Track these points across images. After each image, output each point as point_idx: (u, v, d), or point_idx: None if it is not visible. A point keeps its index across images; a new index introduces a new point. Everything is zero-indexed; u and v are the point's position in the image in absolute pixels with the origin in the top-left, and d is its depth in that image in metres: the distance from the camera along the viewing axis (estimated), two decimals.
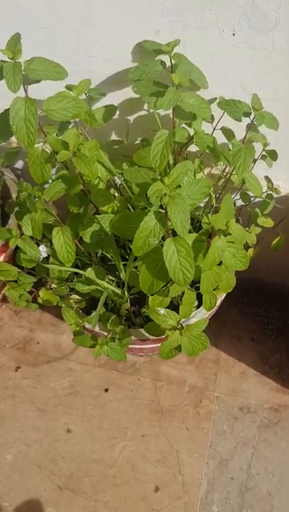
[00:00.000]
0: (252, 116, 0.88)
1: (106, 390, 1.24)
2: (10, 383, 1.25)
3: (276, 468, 1.13)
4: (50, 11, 0.92)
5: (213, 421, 1.20)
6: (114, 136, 1.13)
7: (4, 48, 0.70)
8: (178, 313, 0.89)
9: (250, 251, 1.04)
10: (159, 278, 0.81)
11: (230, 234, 0.80)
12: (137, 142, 1.13)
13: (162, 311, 0.82)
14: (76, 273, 0.99)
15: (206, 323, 0.85)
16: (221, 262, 0.83)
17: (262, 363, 1.29)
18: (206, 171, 1.15)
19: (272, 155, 1.01)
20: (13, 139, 1.20)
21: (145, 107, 1.05)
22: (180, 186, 0.78)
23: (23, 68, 0.70)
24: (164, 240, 0.75)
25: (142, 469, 1.13)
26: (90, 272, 0.92)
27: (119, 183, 1.03)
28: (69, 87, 0.89)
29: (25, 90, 0.74)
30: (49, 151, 0.84)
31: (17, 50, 0.69)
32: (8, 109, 0.75)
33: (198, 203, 0.79)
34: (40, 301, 0.98)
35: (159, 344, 0.98)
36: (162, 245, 0.75)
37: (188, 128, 0.94)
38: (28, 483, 1.11)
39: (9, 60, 0.70)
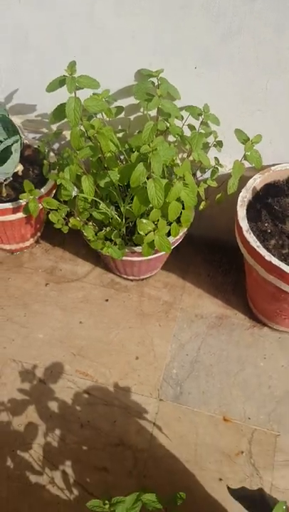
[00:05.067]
0: (203, 116, 1.48)
1: (106, 300, 1.82)
2: (41, 293, 1.83)
3: (216, 350, 1.70)
4: (83, 49, 1.53)
5: (177, 321, 1.78)
6: (120, 128, 1.73)
7: (66, 68, 1.30)
8: None
9: (203, 203, 1.63)
10: (144, 204, 1.40)
11: (185, 181, 1.40)
12: (135, 133, 1.73)
13: (145, 221, 1.41)
14: (93, 207, 1.58)
15: (166, 228, 1.44)
16: (180, 199, 1.43)
17: (214, 289, 1.88)
18: (180, 156, 1.76)
19: (220, 143, 1.61)
20: (53, 127, 1.80)
21: (141, 109, 1.66)
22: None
23: (76, 80, 1.31)
24: (148, 180, 1.35)
25: (128, 346, 1.70)
26: (102, 205, 1.52)
27: (122, 157, 1.63)
28: (96, 94, 1.50)
29: (75, 93, 1.34)
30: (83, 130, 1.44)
31: (73, 69, 1.30)
32: (64, 103, 1.35)
33: (168, 160, 1.39)
34: (70, 225, 1.57)
35: (143, 258, 1.58)
36: (146, 184, 1.35)
37: (166, 122, 1.54)
38: (53, 351, 1.68)
39: (68, 75, 1.31)
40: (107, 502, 1.01)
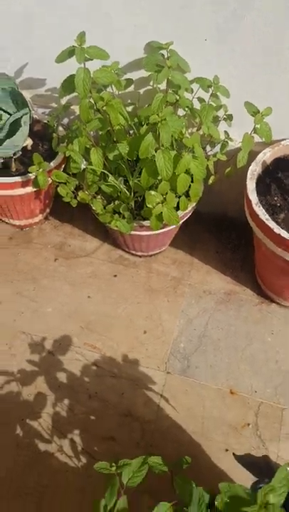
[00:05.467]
0: (213, 88, 1.47)
1: (115, 275, 1.83)
2: (50, 268, 1.84)
3: (224, 325, 1.71)
4: (97, 27, 1.52)
5: (185, 297, 1.78)
6: (129, 101, 1.72)
7: (75, 38, 1.29)
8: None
9: (212, 178, 1.62)
10: (153, 176, 1.40)
11: (194, 153, 1.40)
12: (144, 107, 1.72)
13: (153, 193, 1.40)
14: (102, 180, 1.58)
15: (174, 201, 1.43)
16: (189, 171, 1.42)
17: (222, 266, 1.88)
18: (189, 131, 1.75)
19: (230, 117, 1.59)
20: (62, 101, 1.80)
21: (150, 83, 1.65)
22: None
23: (85, 51, 1.30)
24: (156, 152, 1.35)
25: (136, 321, 1.71)
26: (111, 178, 1.51)
27: (132, 131, 1.62)
28: (105, 66, 1.49)
29: (84, 64, 1.33)
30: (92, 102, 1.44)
31: (83, 40, 1.29)
32: (73, 74, 1.34)
33: (177, 131, 1.38)
34: (78, 199, 1.57)
35: (151, 233, 1.58)
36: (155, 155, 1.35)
37: (176, 95, 1.53)
38: (61, 325, 1.70)
39: (78, 46, 1.30)
40: (114, 464, 1.02)
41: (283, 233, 1.36)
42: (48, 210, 1.95)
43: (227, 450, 1.41)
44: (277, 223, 1.43)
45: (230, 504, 0.89)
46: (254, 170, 1.54)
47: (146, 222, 1.56)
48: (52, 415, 1.49)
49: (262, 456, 1.11)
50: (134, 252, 1.85)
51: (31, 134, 1.76)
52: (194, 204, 1.62)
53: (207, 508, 1.01)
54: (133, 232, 1.60)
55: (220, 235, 1.98)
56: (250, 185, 1.49)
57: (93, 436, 1.45)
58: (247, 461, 1.06)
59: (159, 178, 1.40)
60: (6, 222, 1.94)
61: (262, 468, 1.05)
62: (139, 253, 1.85)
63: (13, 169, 1.70)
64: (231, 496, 0.86)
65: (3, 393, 1.53)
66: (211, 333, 1.69)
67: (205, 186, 1.65)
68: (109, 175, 1.52)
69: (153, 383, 1.56)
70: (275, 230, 1.37)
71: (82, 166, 1.51)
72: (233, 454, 1.16)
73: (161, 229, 1.59)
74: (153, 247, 1.81)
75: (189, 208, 1.61)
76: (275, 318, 1.73)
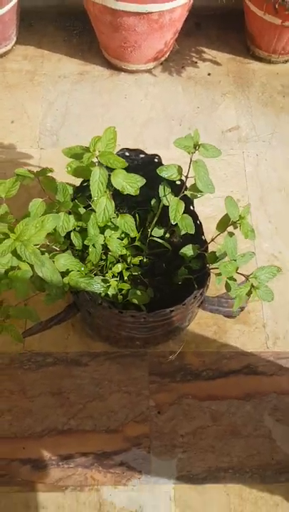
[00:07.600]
0: None
1: None
2: None
3: (82, 102, 1.88)
4: None
5: (42, 86, 1.91)
6: None
7: None
8: None
9: None
10: None
11: None
12: None
13: None
14: None
15: None
16: None
17: (71, 51, 1.99)
18: None
19: None
20: None
21: None
22: None
23: None
24: None
25: (1, 115, 1.84)
26: None
27: None
28: None
29: None
30: None
31: None
32: None
33: None
34: None
35: None
36: None
37: None
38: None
39: None
40: None
41: None
42: None
43: None
44: None
45: (77, 169, 1.15)
46: None
47: None
48: None
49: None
50: None
51: None
52: None
53: (70, 199, 1.28)
54: None
55: (64, 24, 2.06)
56: None
57: None
58: None
59: None
60: None
61: None
62: None
63: None
64: (72, 155, 1.11)
65: None
66: (72, 110, 1.87)
67: None
68: None
69: (30, 158, 1.76)
70: None
71: None
72: None
73: None
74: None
75: None
76: (125, 84, 1.93)
